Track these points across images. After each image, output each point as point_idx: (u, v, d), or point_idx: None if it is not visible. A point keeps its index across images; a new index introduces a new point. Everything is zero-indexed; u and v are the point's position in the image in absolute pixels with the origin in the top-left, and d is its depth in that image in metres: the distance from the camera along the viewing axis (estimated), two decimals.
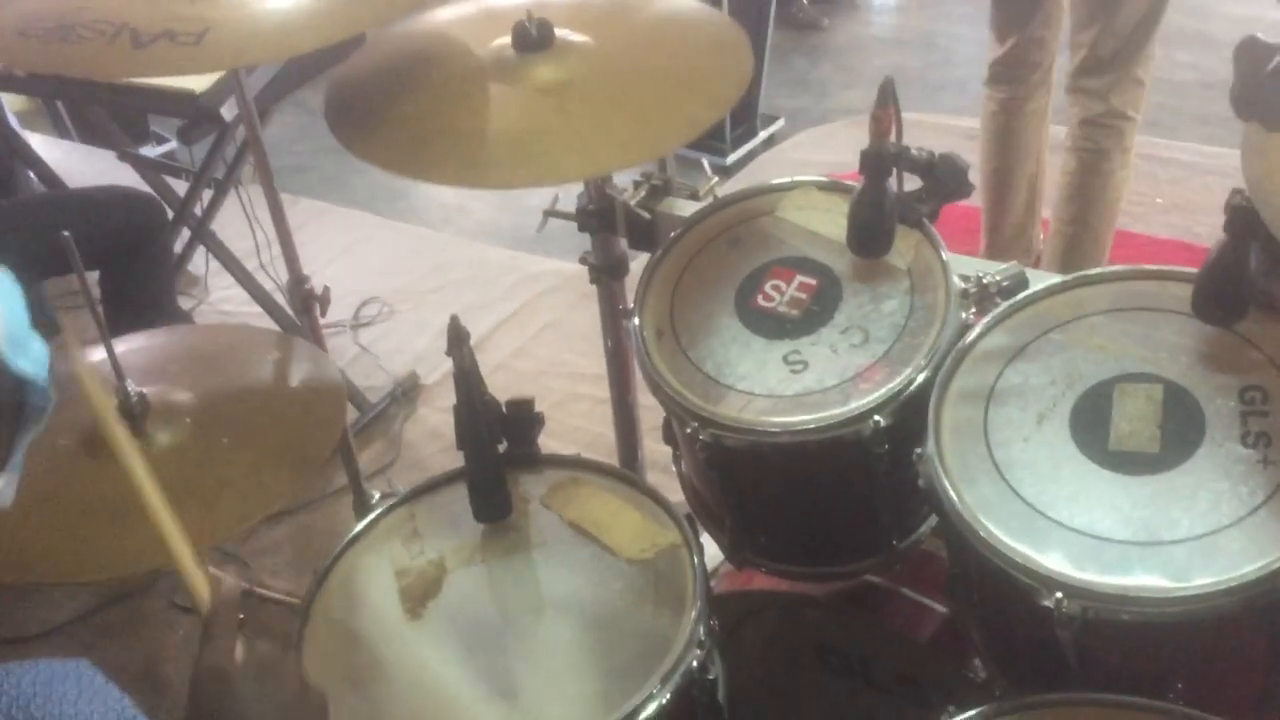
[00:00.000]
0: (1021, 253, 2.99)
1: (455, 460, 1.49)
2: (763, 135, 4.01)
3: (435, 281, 3.47)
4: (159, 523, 1.02)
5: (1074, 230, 2.72)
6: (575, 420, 2.83)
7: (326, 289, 1.95)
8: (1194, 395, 1.22)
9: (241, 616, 1.05)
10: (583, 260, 1.94)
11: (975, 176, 1.56)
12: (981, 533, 1.18)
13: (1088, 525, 1.16)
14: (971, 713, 1.18)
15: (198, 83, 2.47)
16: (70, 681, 0.75)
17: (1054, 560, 1.14)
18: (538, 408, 1.53)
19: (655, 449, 1.95)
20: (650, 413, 1.76)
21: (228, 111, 2.51)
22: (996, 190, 2.90)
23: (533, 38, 1.52)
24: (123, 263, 2.53)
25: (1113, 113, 2.59)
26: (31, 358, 0.84)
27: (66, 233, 1.28)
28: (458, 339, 1.43)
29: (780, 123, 4.08)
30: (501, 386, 1.53)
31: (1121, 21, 2.52)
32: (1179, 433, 1.20)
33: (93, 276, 2.64)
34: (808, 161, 3.76)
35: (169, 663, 2.38)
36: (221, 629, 0.98)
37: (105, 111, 3.18)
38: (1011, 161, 2.85)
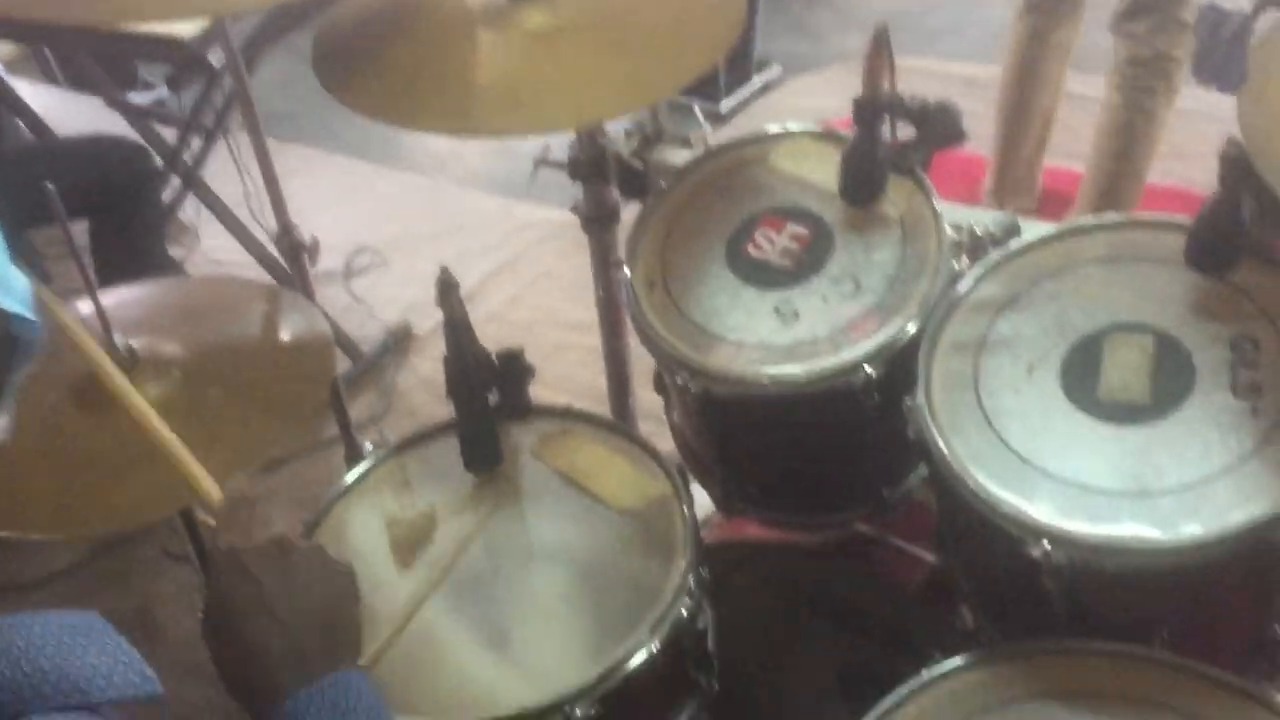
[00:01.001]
0: (1025, 193, 2.97)
1: (448, 410, 1.49)
2: (758, 82, 3.97)
3: (428, 230, 3.45)
4: (156, 434, 1.05)
5: (1115, 167, 2.69)
6: (567, 369, 2.82)
7: (315, 239, 1.93)
8: (1185, 345, 1.22)
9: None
10: (574, 210, 1.93)
11: (975, 121, 1.55)
12: (970, 483, 1.18)
13: (1076, 475, 1.16)
14: (958, 660, 1.19)
15: (185, 28, 2.43)
16: (80, 634, 0.75)
17: (1042, 510, 1.15)
18: (530, 357, 1.53)
19: (647, 398, 1.94)
20: (642, 361, 1.77)
21: (216, 58, 2.48)
22: (1013, 123, 2.88)
23: None
24: (111, 212, 2.50)
25: (1159, 55, 2.57)
26: (16, 295, 0.83)
27: (49, 184, 1.27)
28: (447, 289, 1.42)
29: (776, 69, 4.04)
30: (494, 336, 1.52)
31: None
32: (1169, 383, 1.20)
33: (82, 226, 2.62)
34: (804, 108, 3.72)
35: (162, 610, 2.39)
36: (235, 519, 0.99)
37: (93, 58, 3.13)
38: (1031, 93, 2.83)
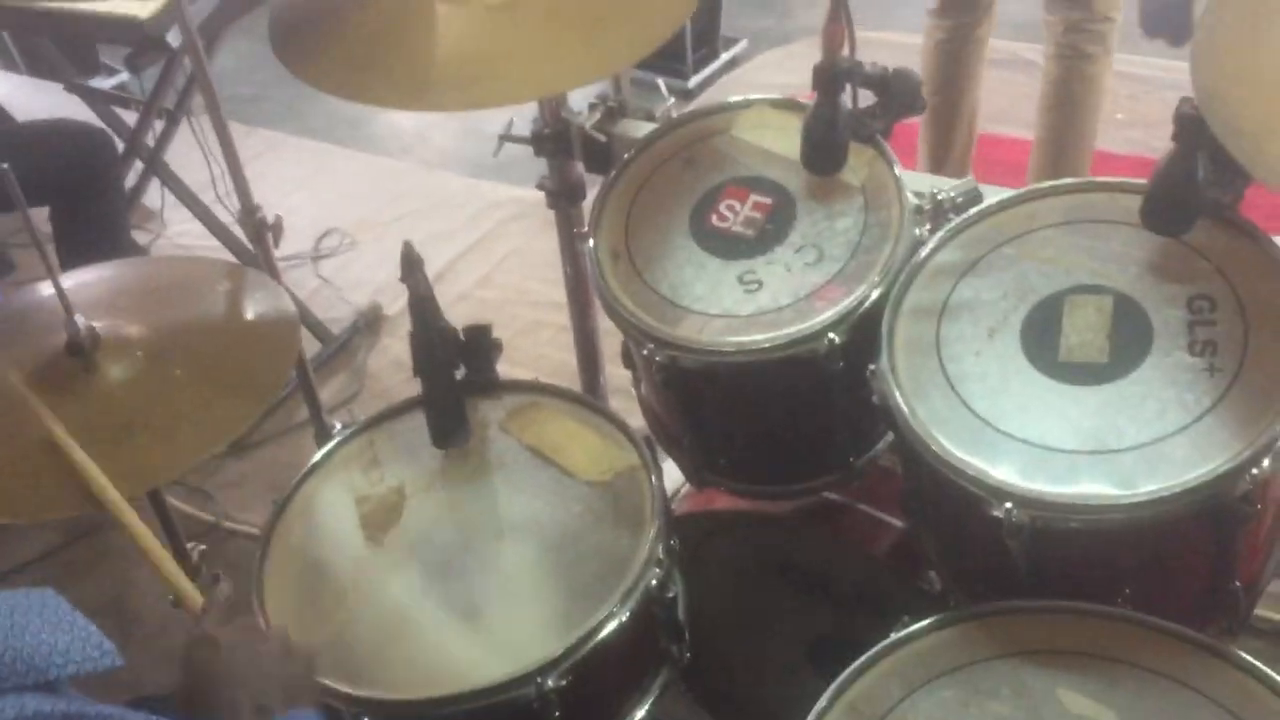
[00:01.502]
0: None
1: (419, 389, 1.49)
2: (725, 57, 3.96)
3: (396, 211, 3.44)
4: (141, 540, 1.17)
5: (1060, 138, 2.69)
6: (539, 348, 2.82)
7: (279, 218, 1.92)
8: (1142, 305, 1.23)
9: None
10: (540, 185, 1.92)
11: None
12: (933, 446, 1.19)
13: (1037, 436, 1.17)
14: (925, 622, 1.20)
15: (142, 7, 2.41)
16: (35, 611, 0.74)
17: (1003, 471, 1.16)
18: (501, 336, 1.53)
19: (618, 374, 1.95)
20: (613, 338, 1.77)
21: (175, 38, 2.45)
22: (943, 120, 2.84)
23: None
24: (73, 197, 2.48)
25: (1094, 17, 2.56)
26: None
27: (5, 165, 1.25)
28: (411, 265, 1.42)
29: (743, 44, 4.04)
30: (465, 316, 1.52)
31: None
32: (1127, 343, 1.21)
33: (43, 212, 2.59)
34: (770, 83, 3.72)
35: (137, 598, 2.38)
36: (213, 611, 1.08)
37: (51, 42, 3.10)
38: (959, 91, 2.81)
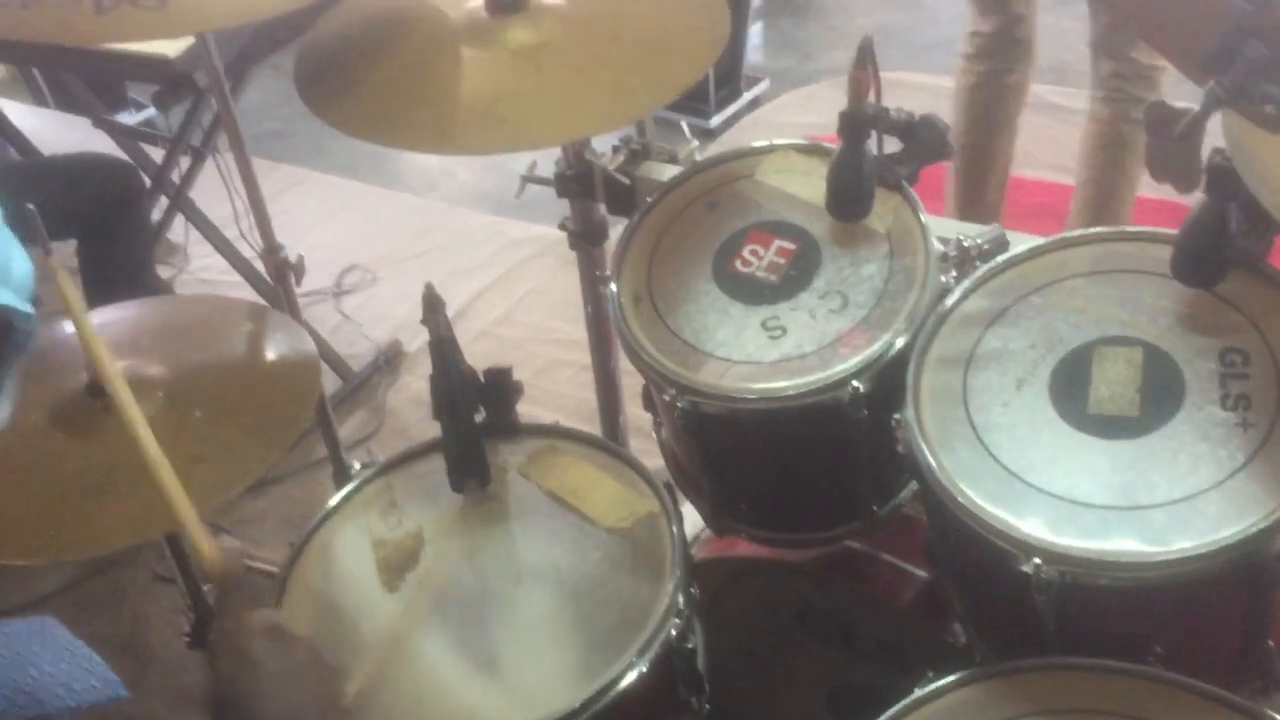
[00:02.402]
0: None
1: (438, 428, 1.48)
2: (747, 97, 3.97)
3: (418, 248, 3.45)
4: (165, 486, 1.06)
5: (1106, 178, 2.66)
6: (559, 387, 2.82)
7: (301, 257, 1.93)
8: (1174, 358, 1.21)
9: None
10: (562, 226, 1.92)
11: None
12: (960, 498, 1.17)
13: (1066, 490, 1.15)
14: (950, 678, 1.18)
15: (171, 47, 2.43)
16: (37, 641, 0.74)
17: (1032, 525, 1.14)
18: (521, 375, 1.52)
19: (638, 415, 1.93)
20: (633, 379, 1.76)
21: (203, 77, 2.47)
22: (975, 165, 2.82)
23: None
24: (99, 231, 2.49)
25: (1145, 67, 2.53)
26: (13, 285, 0.82)
27: (31, 205, 1.25)
28: (433, 307, 1.41)
29: (765, 84, 4.05)
30: (484, 353, 1.52)
31: None
32: (1158, 396, 1.19)
33: (70, 246, 2.61)
34: (792, 123, 3.73)
35: (152, 633, 2.37)
36: (235, 600, 1.03)
37: (80, 78, 3.13)
38: (991, 136, 2.79)
